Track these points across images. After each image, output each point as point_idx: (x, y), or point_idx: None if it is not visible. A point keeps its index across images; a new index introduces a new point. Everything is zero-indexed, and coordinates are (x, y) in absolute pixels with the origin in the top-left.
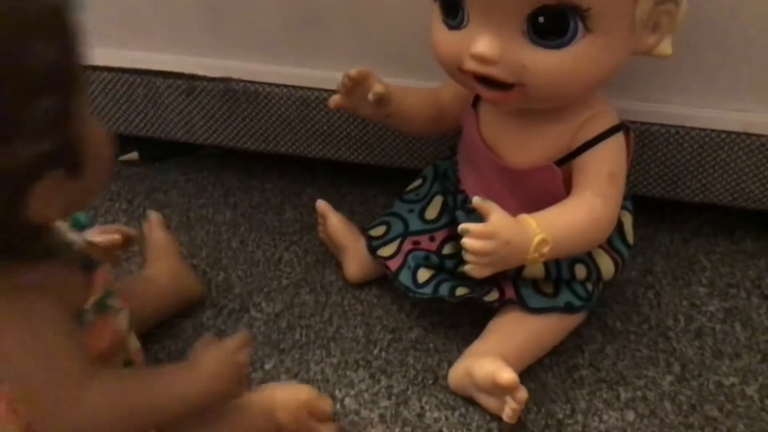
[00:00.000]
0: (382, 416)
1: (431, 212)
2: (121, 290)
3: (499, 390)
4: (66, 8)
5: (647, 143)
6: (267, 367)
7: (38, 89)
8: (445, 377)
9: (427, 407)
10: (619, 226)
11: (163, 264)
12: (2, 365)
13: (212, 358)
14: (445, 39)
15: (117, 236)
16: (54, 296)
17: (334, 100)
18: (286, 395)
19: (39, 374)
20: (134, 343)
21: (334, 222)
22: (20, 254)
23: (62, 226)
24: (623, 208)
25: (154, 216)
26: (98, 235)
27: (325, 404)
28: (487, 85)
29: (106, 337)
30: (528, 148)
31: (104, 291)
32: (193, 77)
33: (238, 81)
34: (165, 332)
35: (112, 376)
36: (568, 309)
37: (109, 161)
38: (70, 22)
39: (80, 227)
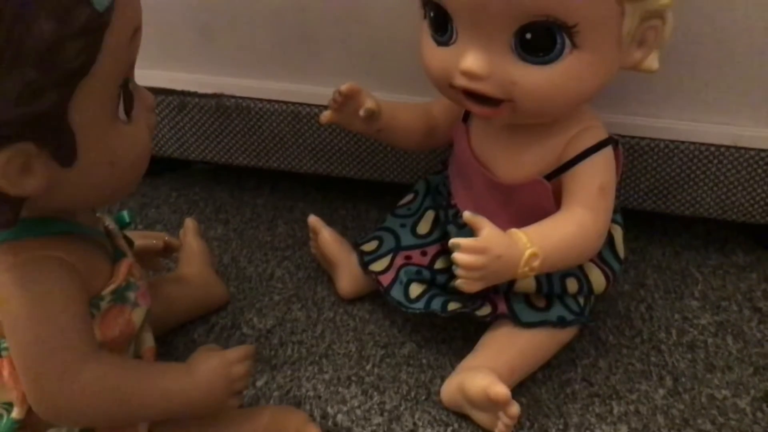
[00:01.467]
0: None
1: (423, 227)
2: (146, 288)
3: (492, 405)
4: (86, 5)
5: (637, 157)
6: (258, 384)
7: (21, 60)
8: (438, 393)
9: (420, 423)
10: (610, 240)
11: (194, 269)
12: (8, 330)
13: (209, 365)
14: (435, 55)
15: (156, 242)
16: (73, 274)
17: (326, 115)
18: (277, 417)
19: (41, 342)
20: (148, 341)
21: (326, 237)
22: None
23: (105, 218)
24: (614, 221)
25: (190, 222)
26: (140, 239)
27: None
28: (477, 101)
29: (117, 327)
30: (518, 162)
31: (125, 282)
32: (184, 93)
33: (230, 97)
34: (155, 349)
35: (109, 360)
36: (560, 323)
37: (126, 172)
38: (86, 16)
39: (123, 224)
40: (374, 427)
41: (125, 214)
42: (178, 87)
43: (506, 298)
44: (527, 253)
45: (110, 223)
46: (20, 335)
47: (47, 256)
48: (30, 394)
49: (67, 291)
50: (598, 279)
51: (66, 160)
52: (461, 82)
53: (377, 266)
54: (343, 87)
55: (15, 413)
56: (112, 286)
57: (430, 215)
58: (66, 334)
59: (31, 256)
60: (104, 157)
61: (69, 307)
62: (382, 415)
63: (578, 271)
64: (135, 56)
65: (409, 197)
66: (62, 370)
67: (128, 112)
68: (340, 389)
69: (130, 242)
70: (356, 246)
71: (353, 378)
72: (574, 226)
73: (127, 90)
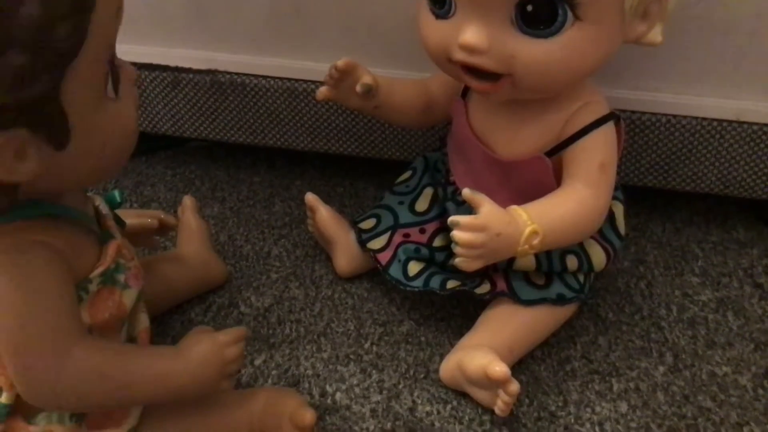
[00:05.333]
0: (373, 411)
1: (421, 204)
2: (138, 270)
3: (491, 383)
4: None
5: (639, 132)
6: (257, 362)
7: (11, 46)
8: (437, 371)
9: (419, 401)
10: (611, 217)
11: (192, 247)
12: None
13: (201, 348)
14: (433, 29)
15: (151, 221)
16: (58, 257)
17: (322, 91)
18: (272, 400)
19: (27, 328)
20: (143, 323)
21: (324, 215)
22: None
23: (95, 198)
24: (614, 198)
25: (188, 200)
26: (134, 217)
27: (308, 415)
28: (476, 76)
29: (107, 310)
30: (518, 138)
31: (114, 264)
32: (178, 69)
33: (225, 73)
34: (153, 328)
35: (97, 344)
36: (560, 300)
37: (117, 150)
38: None
39: (114, 204)
40: (373, 405)
41: (116, 193)
42: (172, 63)
43: (505, 276)
44: (527, 230)
45: (100, 203)
46: (5, 321)
47: (31, 240)
48: (16, 380)
49: (53, 275)
50: (598, 256)
51: (60, 143)
52: (460, 56)
53: (375, 244)
54: (340, 62)
55: (4, 398)
56: (100, 269)
57: (428, 192)
58: (52, 319)
59: (14, 241)
60: (96, 137)
61: (54, 291)
62: (381, 393)
63: (578, 248)
64: (117, 32)
65: (407, 174)
66: (48, 357)
67: (116, 88)
68: (339, 367)
69: (121, 222)
70: (354, 224)
71: (352, 356)
72: (574, 203)
73: (113, 67)
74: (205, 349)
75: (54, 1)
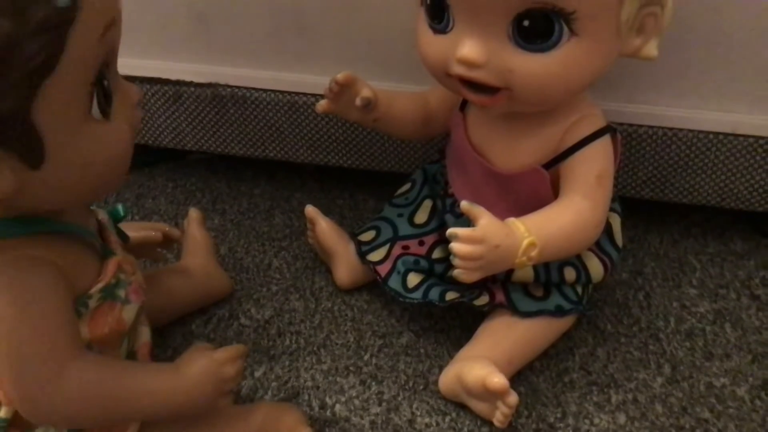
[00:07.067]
0: (373, 423)
1: (420, 216)
2: (140, 284)
3: (490, 394)
4: (44, 1)
5: (635, 145)
6: (257, 374)
7: None
8: (436, 382)
9: (418, 413)
10: (608, 229)
11: (197, 260)
12: None
13: (198, 366)
14: (431, 43)
15: (154, 234)
16: (57, 273)
17: (322, 105)
18: (270, 415)
19: (24, 344)
20: (144, 336)
21: (324, 227)
22: None
23: (98, 212)
24: (612, 210)
25: (194, 213)
26: (137, 230)
27: None
28: (474, 89)
29: (107, 325)
30: (516, 151)
31: (115, 280)
32: (180, 83)
33: (226, 86)
34: (154, 340)
35: (94, 359)
36: (558, 312)
37: (103, 172)
38: (43, 12)
39: (117, 218)
40: (372, 417)
41: (120, 208)
42: (173, 77)
43: (504, 288)
44: (525, 242)
45: (103, 217)
46: (2, 337)
47: (31, 256)
48: (14, 395)
49: (51, 291)
50: (596, 268)
51: (34, 162)
52: (458, 70)
53: (375, 256)
54: (339, 76)
55: (2, 412)
56: (99, 285)
57: (427, 204)
58: (49, 335)
59: (14, 256)
60: (76, 158)
61: (52, 307)
62: (380, 404)
63: (576, 260)
64: (114, 50)
65: (406, 186)
66: (46, 374)
67: (105, 110)
68: (339, 379)
69: (124, 236)
70: (353, 236)
71: (351, 368)
72: (572, 215)
73: (102, 87)
74: (203, 366)
75: (22, 17)
